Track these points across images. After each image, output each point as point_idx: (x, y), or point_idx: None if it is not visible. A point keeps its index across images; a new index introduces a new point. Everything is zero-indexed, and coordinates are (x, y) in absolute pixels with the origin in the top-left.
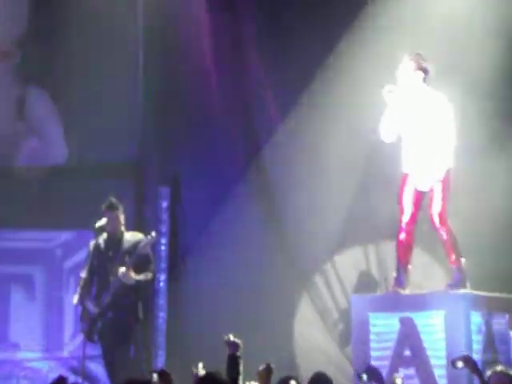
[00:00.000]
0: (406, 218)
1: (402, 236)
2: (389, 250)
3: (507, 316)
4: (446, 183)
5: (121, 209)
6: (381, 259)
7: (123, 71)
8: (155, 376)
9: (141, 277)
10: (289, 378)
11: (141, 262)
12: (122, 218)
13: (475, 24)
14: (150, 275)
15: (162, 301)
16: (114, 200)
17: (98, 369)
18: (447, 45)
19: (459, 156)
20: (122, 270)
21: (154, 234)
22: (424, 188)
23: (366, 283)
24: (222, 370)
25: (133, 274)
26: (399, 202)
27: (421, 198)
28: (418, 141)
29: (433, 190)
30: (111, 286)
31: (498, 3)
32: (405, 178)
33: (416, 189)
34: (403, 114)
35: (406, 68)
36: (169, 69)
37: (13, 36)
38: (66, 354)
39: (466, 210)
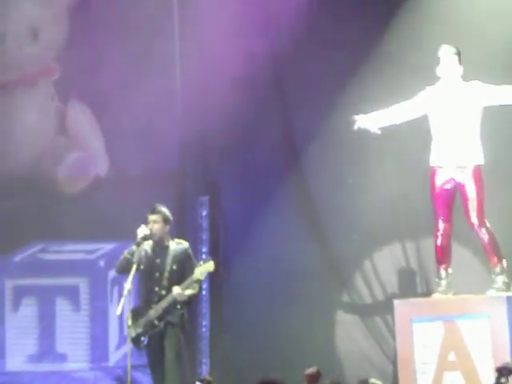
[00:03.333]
0: (440, 217)
1: (439, 239)
2: (428, 246)
3: None
4: (478, 180)
5: (165, 215)
6: (420, 255)
7: (162, 83)
8: None
9: (191, 292)
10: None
11: (187, 271)
12: (166, 224)
13: None
14: (197, 288)
15: (204, 309)
16: (156, 204)
17: (143, 378)
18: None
19: (492, 150)
20: (178, 290)
21: (212, 262)
22: (454, 183)
23: (406, 282)
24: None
25: (186, 292)
26: (432, 200)
27: (452, 195)
28: (450, 134)
29: (465, 190)
30: (163, 301)
31: None
32: (434, 174)
33: (445, 184)
34: (436, 108)
35: (450, 61)
36: (206, 79)
37: (52, 51)
38: (111, 363)
39: (504, 208)
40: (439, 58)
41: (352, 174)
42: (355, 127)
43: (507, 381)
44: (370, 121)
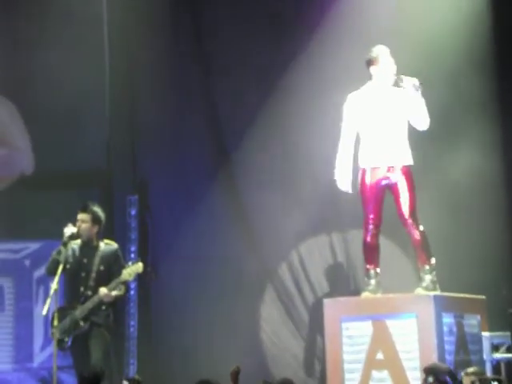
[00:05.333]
0: (369, 217)
1: (368, 238)
2: (356, 243)
3: (478, 317)
4: (409, 180)
5: (94, 214)
6: (348, 253)
7: (89, 80)
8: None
9: (117, 293)
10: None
11: (114, 273)
12: (95, 224)
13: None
14: (123, 289)
15: (132, 309)
16: (88, 203)
17: (68, 379)
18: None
19: (419, 151)
20: (104, 291)
21: (141, 264)
22: (385, 184)
23: (334, 280)
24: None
25: (113, 293)
26: (361, 200)
27: (382, 196)
28: (380, 135)
29: (397, 189)
30: (88, 302)
31: None
32: (363, 173)
33: (376, 185)
34: (364, 109)
35: (384, 61)
36: (134, 77)
37: None
38: (36, 364)
39: (432, 209)
40: (374, 58)
41: (280, 171)
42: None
43: (434, 381)
44: (345, 180)
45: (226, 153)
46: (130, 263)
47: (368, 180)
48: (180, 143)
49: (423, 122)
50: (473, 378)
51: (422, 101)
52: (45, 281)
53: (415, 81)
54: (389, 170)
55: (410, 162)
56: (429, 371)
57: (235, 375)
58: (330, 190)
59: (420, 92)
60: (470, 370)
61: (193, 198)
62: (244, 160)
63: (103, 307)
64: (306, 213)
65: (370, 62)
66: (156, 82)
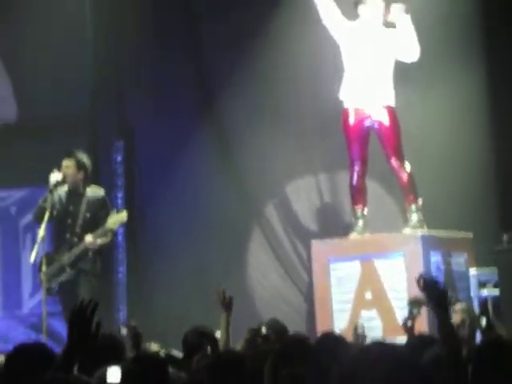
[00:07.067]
0: (355, 157)
1: (354, 179)
2: (343, 183)
3: (465, 254)
4: (394, 120)
5: (79, 160)
6: (335, 192)
7: (72, 23)
8: (123, 330)
9: (103, 240)
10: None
11: (100, 219)
12: (80, 170)
13: None
14: (110, 236)
15: (121, 255)
16: (73, 149)
17: (58, 325)
18: None
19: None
20: (89, 239)
21: (125, 213)
22: (369, 124)
23: (321, 220)
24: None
25: (98, 241)
26: (346, 140)
27: (367, 135)
28: (365, 74)
29: (381, 130)
30: (75, 249)
31: None
32: (346, 113)
33: (359, 125)
34: (352, 44)
35: (373, 2)
36: (118, 18)
37: None
38: (25, 311)
39: (419, 150)
40: None
41: (266, 110)
42: None
43: (418, 312)
44: None
45: (212, 93)
46: (114, 211)
47: (351, 120)
48: (166, 87)
49: (413, 52)
50: (462, 315)
51: (412, 28)
52: (31, 228)
53: (403, 6)
54: (372, 111)
55: (392, 102)
56: (412, 303)
57: (223, 299)
58: (318, 128)
59: (409, 17)
60: (459, 306)
61: (179, 141)
62: (231, 100)
63: (90, 254)
64: (293, 152)
65: (357, 1)
66: (142, 26)
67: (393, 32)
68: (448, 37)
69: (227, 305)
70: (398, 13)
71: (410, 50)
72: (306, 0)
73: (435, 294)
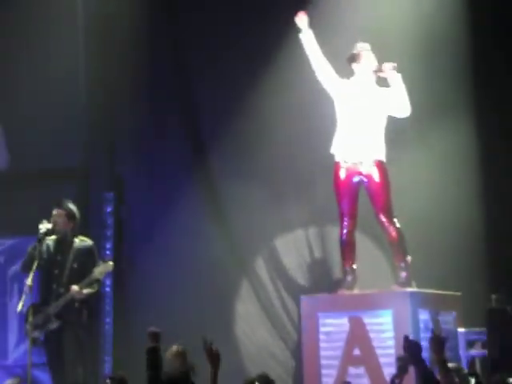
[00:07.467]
0: (345, 212)
1: (344, 234)
2: (332, 237)
3: (454, 313)
4: (384, 176)
5: (69, 210)
6: (324, 246)
7: (66, 75)
8: (108, 382)
9: (89, 290)
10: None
11: (88, 270)
12: (70, 220)
13: None
14: (96, 287)
15: (108, 307)
16: (63, 199)
17: (43, 376)
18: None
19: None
20: (75, 289)
21: (111, 263)
22: (359, 179)
23: (310, 275)
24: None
25: (84, 291)
26: (336, 195)
27: (357, 191)
28: (358, 130)
29: (371, 186)
30: (61, 299)
31: None
32: (337, 168)
33: (350, 180)
34: (346, 100)
35: (366, 57)
36: (110, 71)
37: None
38: (10, 361)
39: (409, 207)
40: (355, 55)
41: (258, 163)
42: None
43: (406, 371)
44: (308, 34)
45: (202, 146)
46: (101, 261)
47: (342, 175)
48: (156, 140)
49: (404, 108)
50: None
51: (403, 85)
52: (19, 277)
53: (394, 64)
54: (363, 166)
55: (383, 157)
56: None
57: (210, 352)
58: (307, 183)
59: (400, 75)
60: (449, 365)
61: (169, 192)
62: (221, 152)
63: (76, 304)
64: (283, 206)
65: (351, 59)
66: (133, 80)
67: (385, 89)
68: (437, 91)
69: (214, 357)
70: (390, 71)
71: (402, 106)
72: (301, 57)
73: (416, 351)
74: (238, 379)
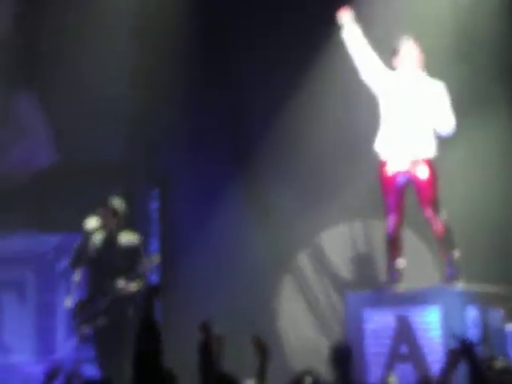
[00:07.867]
0: (391, 210)
1: (390, 230)
2: (379, 234)
3: (502, 310)
4: (432, 173)
5: (114, 207)
6: (371, 243)
7: (111, 74)
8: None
9: (136, 285)
10: (304, 374)
11: (134, 265)
12: (115, 217)
13: None
14: (143, 281)
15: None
16: (109, 195)
17: (91, 371)
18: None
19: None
20: (122, 284)
21: (157, 256)
22: (407, 176)
23: (356, 271)
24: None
25: (131, 286)
26: (382, 193)
27: (404, 188)
28: (404, 126)
29: (418, 182)
30: (107, 295)
31: None
32: (383, 166)
33: (397, 178)
34: (391, 95)
35: (409, 50)
36: (158, 73)
37: None
38: (58, 357)
39: (459, 199)
40: (396, 50)
41: (303, 165)
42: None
43: (455, 367)
44: (353, 29)
45: (249, 144)
46: (145, 258)
47: (388, 173)
48: (203, 136)
49: (447, 125)
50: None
51: (448, 103)
52: (67, 274)
53: (440, 84)
54: (410, 163)
55: (432, 154)
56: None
57: (258, 344)
58: (352, 177)
59: (442, 85)
60: (497, 364)
61: (214, 191)
62: (266, 152)
63: (123, 300)
64: (326, 201)
65: (393, 53)
66: (181, 77)
67: (429, 98)
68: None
69: (262, 349)
70: (435, 88)
71: (446, 123)
72: (345, 58)
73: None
74: (282, 375)
